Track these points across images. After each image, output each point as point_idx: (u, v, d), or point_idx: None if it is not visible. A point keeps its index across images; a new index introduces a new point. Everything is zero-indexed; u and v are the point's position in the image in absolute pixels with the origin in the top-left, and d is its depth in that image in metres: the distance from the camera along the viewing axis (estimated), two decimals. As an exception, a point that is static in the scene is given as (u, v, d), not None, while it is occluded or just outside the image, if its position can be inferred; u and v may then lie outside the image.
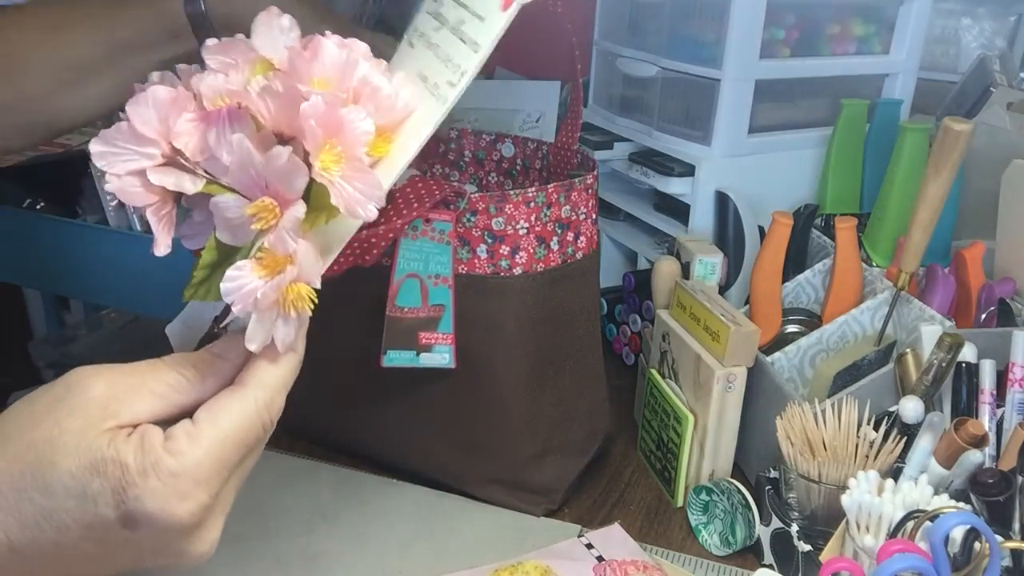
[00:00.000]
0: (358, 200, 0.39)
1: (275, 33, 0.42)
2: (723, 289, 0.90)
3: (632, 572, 0.65)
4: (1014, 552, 0.53)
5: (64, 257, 0.94)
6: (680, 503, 0.76)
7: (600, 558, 0.67)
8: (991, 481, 0.57)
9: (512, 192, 0.66)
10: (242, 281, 0.38)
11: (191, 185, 0.40)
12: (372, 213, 0.40)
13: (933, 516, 0.52)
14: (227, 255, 0.41)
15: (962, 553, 0.51)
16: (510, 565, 0.65)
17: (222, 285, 0.38)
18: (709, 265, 0.85)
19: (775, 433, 0.65)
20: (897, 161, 0.88)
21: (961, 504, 0.55)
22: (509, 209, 0.66)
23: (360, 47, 0.42)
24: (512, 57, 1.21)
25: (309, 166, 0.38)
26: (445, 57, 0.46)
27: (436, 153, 0.89)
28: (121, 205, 0.90)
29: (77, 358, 1.04)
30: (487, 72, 1.22)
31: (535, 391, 0.72)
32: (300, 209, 0.38)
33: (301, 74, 0.40)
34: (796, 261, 0.88)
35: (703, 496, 0.72)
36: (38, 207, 0.96)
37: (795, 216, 0.85)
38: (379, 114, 0.42)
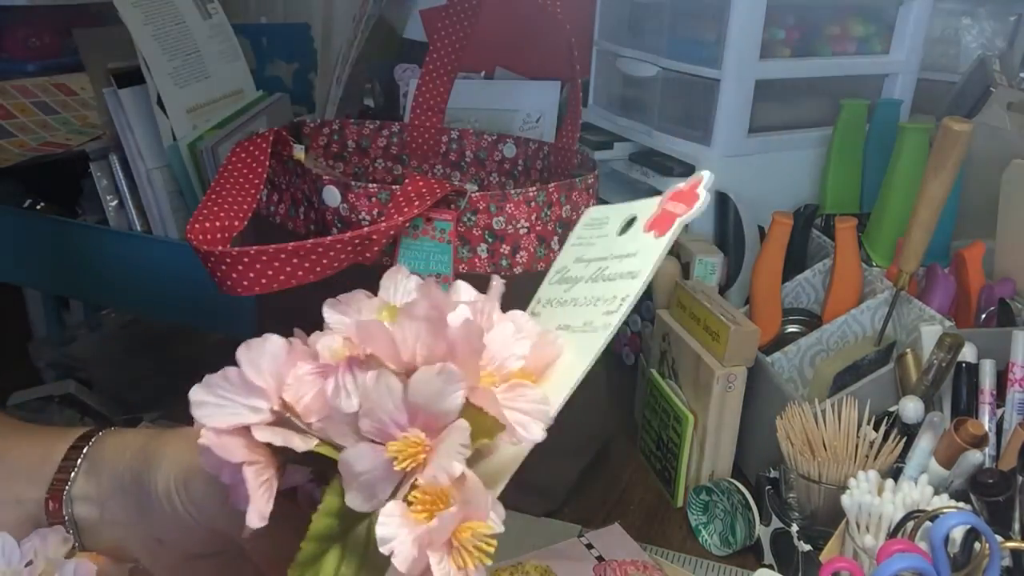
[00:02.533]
0: (521, 420, 0.34)
1: (399, 285, 0.38)
2: (723, 289, 0.90)
3: (632, 572, 0.65)
4: (1014, 552, 0.53)
5: (64, 257, 0.94)
6: (680, 503, 0.76)
7: (600, 558, 0.67)
8: (991, 481, 0.57)
9: (513, 191, 0.66)
10: (396, 529, 0.31)
11: (301, 442, 0.34)
12: (539, 434, 0.34)
13: (933, 516, 0.52)
14: (351, 525, 0.34)
15: (962, 553, 0.51)
16: (510, 565, 0.65)
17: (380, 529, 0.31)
18: (709, 265, 0.85)
19: (775, 433, 0.65)
20: (897, 161, 0.88)
21: (961, 504, 0.55)
22: (510, 208, 0.66)
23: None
24: (512, 57, 1.21)
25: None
26: (591, 301, 0.41)
27: (438, 153, 0.89)
28: (121, 205, 0.90)
29: (77, 358, 1.04)
30: (487, 73, 1.23)
31: (535, 391, 0.72)
32: (463, 426, 0.32)
33: (438, 302, 0.35)
34: (796, 261, 0.88)
35: (703, 496, 0.72)
36: (38, 207, 0.96)
37: (795, 216, 0.85)
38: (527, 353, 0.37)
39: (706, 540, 0.72)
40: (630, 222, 0.42)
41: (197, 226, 0.65)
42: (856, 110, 0.95)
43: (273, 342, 0.35)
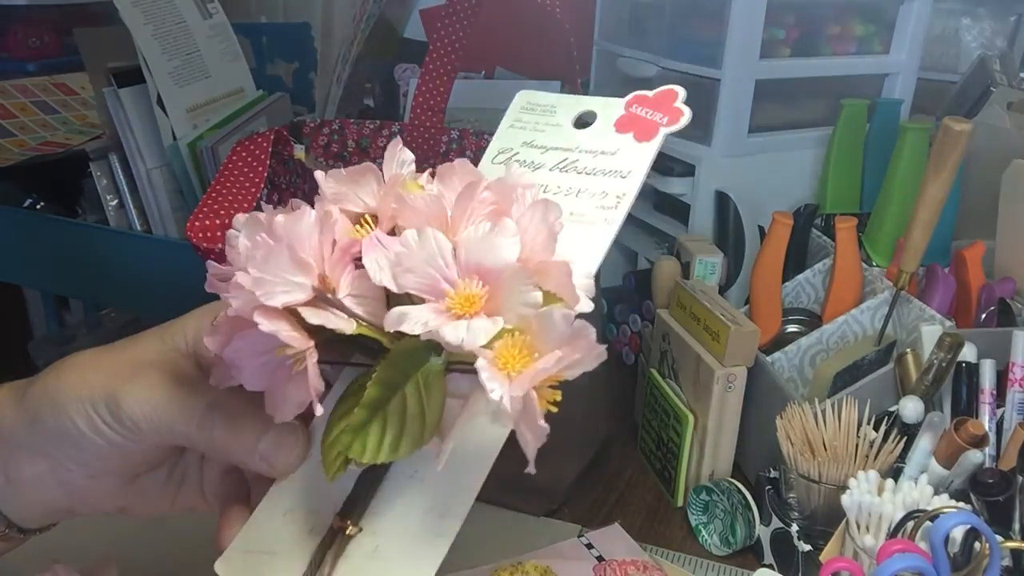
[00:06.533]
0: (574, 292, 0.33)
1: (397, 158, 0.38)
2: (723, 289, 0.90)
3: (632, 572, 0.65)
4: (1014, 552, 0.53)
5: (64, 257, 0.93)
6: (680, 503, 0.76)
7: (600, 558, 0.67)
8: (991, 481, 0.57)
9: (512, 192, 0.66)
10: (500, 383, 0.31)
11: (346, 325, 0.33)
12: (588, 305, 0.34)
13: (933, 516, 0.52)
14: (395, 388, 0.34)
15: (962, 553, 0.51)
16: (510, 565, 0.65)
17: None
18: (709, 265, 0.85)
19: (775, 433, 0.65)
20: (897, 161, 0.88)
21: (961, 504, 0.55)
22: (509, 209, 0.66)
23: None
24: (512, 57, 1.21)
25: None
26: (569, 191, 0.40)
27: (438, 153, 0.89)
28: (121, 205, 0.90)
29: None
30: (487, 73, 1.23)
31: (535, 391, 0.72)
32: (518, 267, 0.32)
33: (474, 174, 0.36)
34: (796, 261, 0.88)
35: (703, 496, 0.72)
36: (38, 207, 0.96)
37: (795, 216, 0.85)
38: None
39: (706, 540, 0.72)
40: (585, 118, 0.42)
41: (197, 224, 0.65)
42: (856, 110, 0.95)
43: (310, 216, 0.33)
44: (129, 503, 0.43)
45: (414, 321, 0.31)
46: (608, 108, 0.41)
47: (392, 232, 0.35)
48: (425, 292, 0.32)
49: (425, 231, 0.32)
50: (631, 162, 0.40)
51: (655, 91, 0.40)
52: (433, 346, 0.34)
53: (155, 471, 0.43)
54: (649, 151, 0.39)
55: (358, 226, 0.35)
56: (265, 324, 0.31)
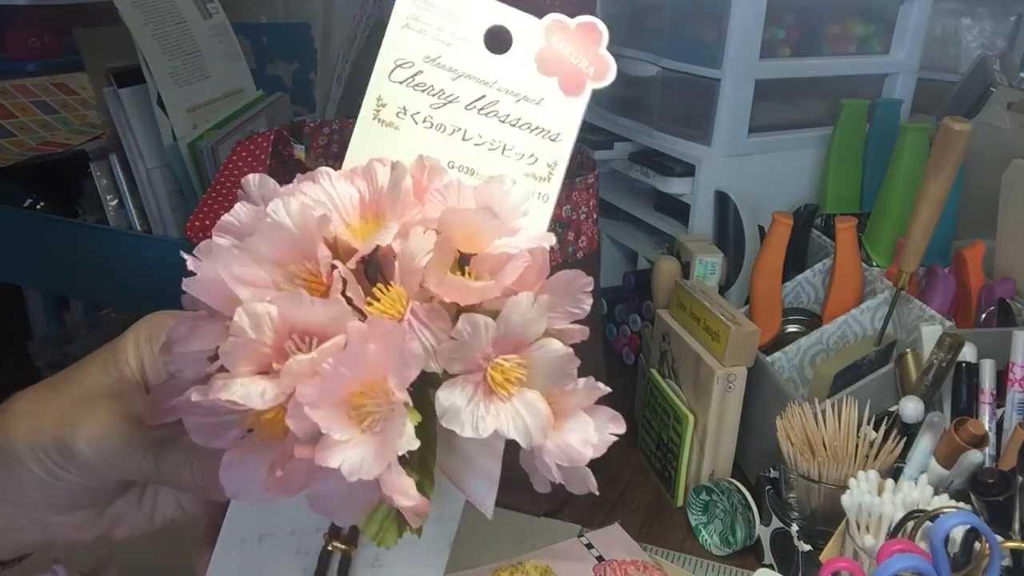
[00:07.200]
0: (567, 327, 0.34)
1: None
2: (723, 289, 0.90)
3: (632, 572, 0.65)
4: (1014, 552, 0.53)
5: (64, 257, 0.94)
6: (680, 503, 0.76)
7: (600, 558, 0.67)
8: (991, 481, 0.57)
9: (512, 192, 0.66)
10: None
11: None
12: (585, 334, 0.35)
13: (933, 516, 0.52)
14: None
15: (962, 553, 0.51)
16: (510, 565, 0.65)
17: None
18: (709, 265, 0.85)
19: (775, 433, 0.65)
20: (897, 161, 0.88)
21: (961, 504, 0.55)
22: (509, 209, 0.66)
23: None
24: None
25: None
26: (493, 144, 0.37)
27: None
28: (121, 204, 0.90)
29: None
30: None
31: (535, 391, 0.72)
32: (558, 345, 0.32)
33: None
34: (796, 261, 0.88)
35: (703, 496, 0.72)
36: (38, 207, 0.96)
37: (795, 216, 0.85)
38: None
39: (706, 540, 0.72)
40: (496, 33, 0.37)
41: (197, 224, 0.65)
42: (856, 110, 0.95)
43: (364, 340, 0.30)
44: (106, 531, 0.42)
45: (469, 416, 0.30)
46: (525, 29, 0.36)
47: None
48: (463, 370, 0.31)
49: (476, 321, 0.30)
50: (560, 121, 0.36)
51: (575, 21, 0.36)
52: (436, 381, 0.32)
53: (125, 496, 0.42)
54: (578, 109, 0.36)
55: (371, 299, 0.31)
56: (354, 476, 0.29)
